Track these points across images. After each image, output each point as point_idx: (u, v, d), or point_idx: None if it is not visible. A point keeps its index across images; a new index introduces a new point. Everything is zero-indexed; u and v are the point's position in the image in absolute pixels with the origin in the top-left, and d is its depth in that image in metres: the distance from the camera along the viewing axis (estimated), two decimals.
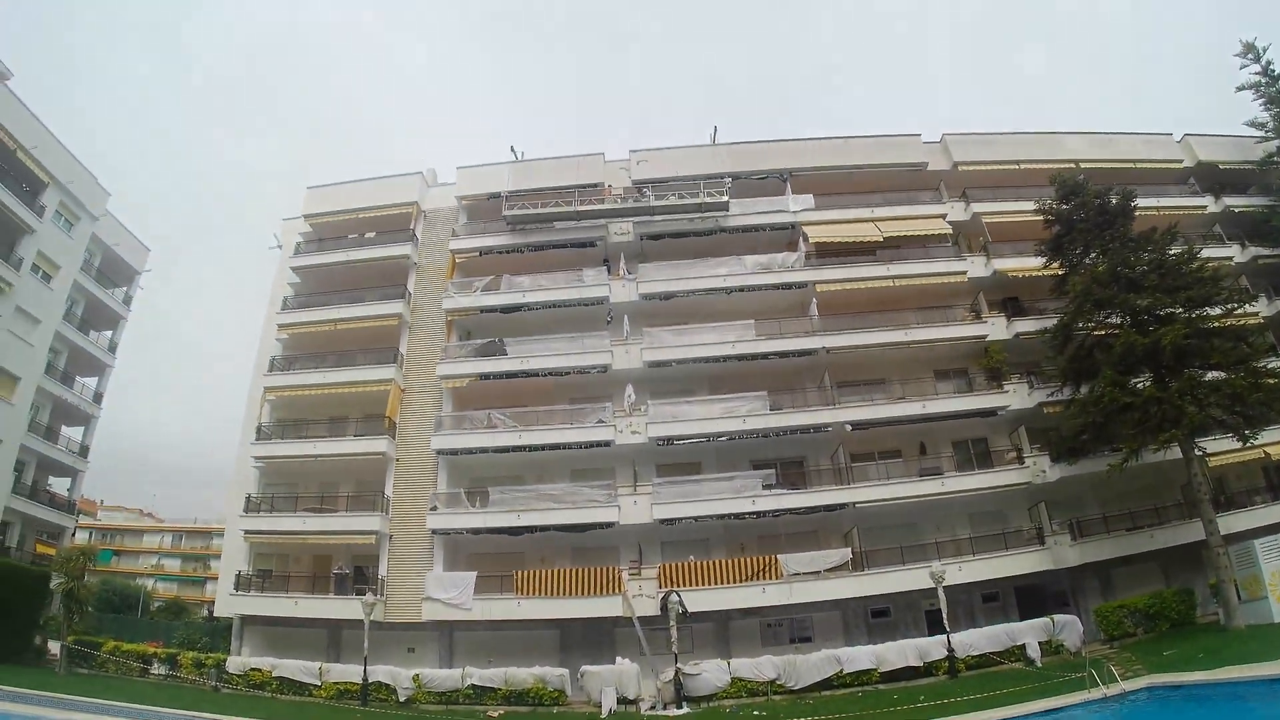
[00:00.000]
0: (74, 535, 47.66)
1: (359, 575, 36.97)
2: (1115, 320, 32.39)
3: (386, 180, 45.85)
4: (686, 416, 37.38)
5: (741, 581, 33.81)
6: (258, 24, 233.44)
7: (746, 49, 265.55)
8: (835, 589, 33.55)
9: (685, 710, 26.63)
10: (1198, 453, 30.67)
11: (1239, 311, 32.33)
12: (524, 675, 29.23)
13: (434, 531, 36.21)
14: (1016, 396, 37.42)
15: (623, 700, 27.79)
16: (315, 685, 30.59)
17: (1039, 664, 27.06)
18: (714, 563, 34.63)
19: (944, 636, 28.26)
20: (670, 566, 34.29)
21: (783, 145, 44.77)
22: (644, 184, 42.27)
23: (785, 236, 42.05)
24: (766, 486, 35.87)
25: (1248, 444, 30.80)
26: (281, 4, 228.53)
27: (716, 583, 33.78)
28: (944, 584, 29.31)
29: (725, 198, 41.12)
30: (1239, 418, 29.57)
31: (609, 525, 35.30)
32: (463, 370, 39.27)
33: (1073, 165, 39.85)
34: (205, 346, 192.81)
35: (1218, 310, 31.02)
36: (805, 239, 40.83)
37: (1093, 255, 34.02)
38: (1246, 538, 30.01)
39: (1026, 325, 38.62)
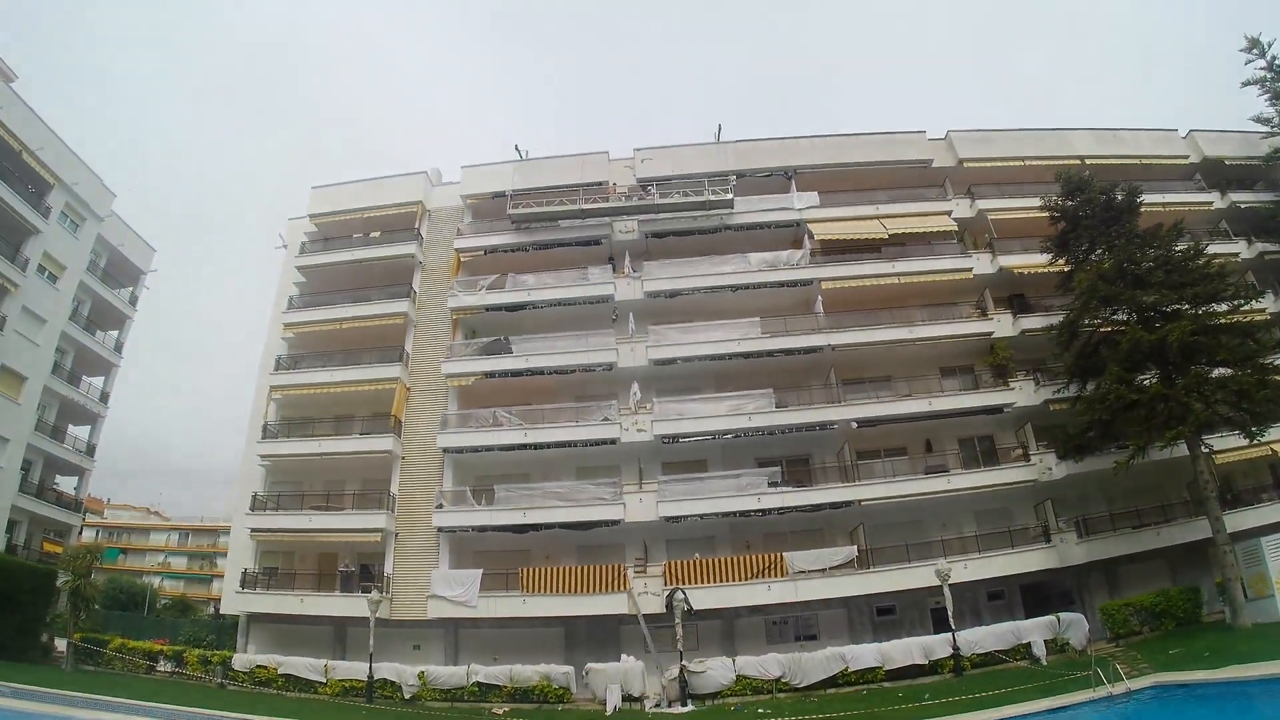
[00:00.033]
0: (81, 533, 47.77)
1: (365, 573, 37.05)
2: (1121, 317, 32.23)
3: (391, 180, 45.95)
4: (692, 414, 37.42)
5: (747, 579, 33.80)
6: (259, 24, 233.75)
7: (747, 48, 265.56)
8: (840, 587, 33.53)
9: (690, 708, 26.59)
10: (1204, 450, 30.60)
11: (1245, 308, 32.27)
12: (529, 673, 29.20)
13: (440, 529, 36.26)
14: (1022, 394, 37.35)
15: (628, 698, 27.73)
16: (321, 682, 30.63)
17: (1044, 662, 26.99)
18: (719, 560, 34.62)
19: (949, 634, 28.16)
20: (675, 564, 34.29)
21: (787, 143, 44.63)
22: (648, 182, 42.27)
23: (790, 234, 42.04)
24: (772, 484, 35.87)
25: (1254, 441, 30.70)
26: (283, 3, 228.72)
27: (722, 580, 33.79)
28: (949, 582, 29.18)
29: (730, 195, 41.06)
30: (1246, 414, 29.38)
31: (614, 523, 35.34)
32: (468, 369, 39.30)
33: (1078, 161, 39.90)
34: (211, 346, 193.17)
35: (1224, 306, 30.91)
36: (810, 236, 40.82)
37: (1099, 251, 33.89)
38: (1253, 535, 29.85)
39: (1032, 322, 38.49)
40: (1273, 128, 40.62)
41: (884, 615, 34.69)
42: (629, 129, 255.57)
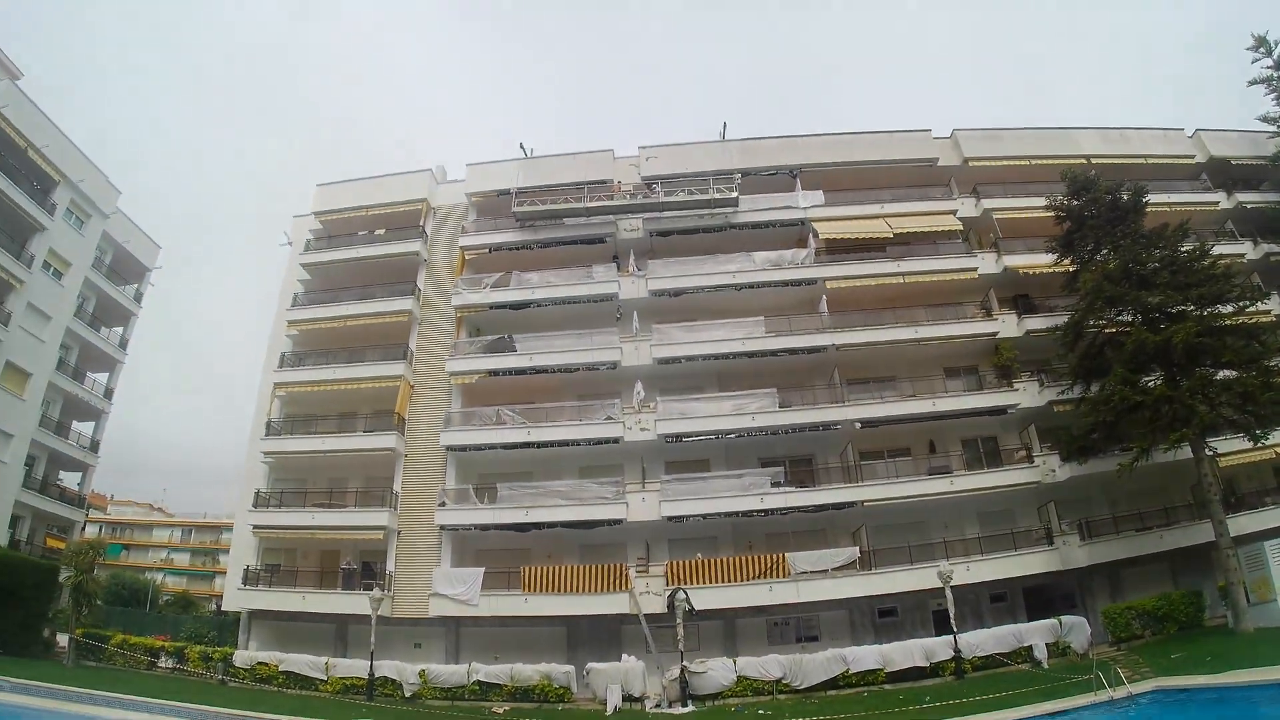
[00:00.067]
0: (84, 529, 47.86)
1: (367, 570, 37.11)
2: (1126, 318, 32.05)
3: (396, 177, 46.02)
4: (695, 414, 37.39)
5: (748, 580, 33.73)
6: (259, 23, 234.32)
7: (747, 47, 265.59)
8: (842, 588, 33.44)
9: (690, 708, 26.56)
10: (1208, 453, 30.41)
11: (1251, 309, 31.91)
12: (530, 672, 29.23)
13: (442, 527, 36.26)
14: (1026, 395, 37.25)
15: (628, 698, 27.74)
16: (321, 680, 30.68)
17: (1045, 665, 26.92)
18: (721, 561, 34.56)
19: (951, 637, 28.13)
20: (677, 564, 34.26)
21: (792, 141, 44.51)
22: (653, 180, 42.20)
23: (795, 233, 41.94)
24: (775, 484, 35.79)
25: (1259, 444, 30.53)
26: (284, 3, 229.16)
27: (723, 581, 33.74)
28: (951, 584, 29.10)
29: (734, 194, 40.98)
30: (1250, 417, 29.16)
31: (617, 522, 35.29)
32: (472, 366, 39.29)
33: (1084, 161, 39.70)
34: (215, 343, 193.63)
35: (1230, 308, 30.65)
36: (815, 235, 40.74)
37: (1104, 252, 33.70)
38: (1256, 539, 29.79)
39: (1037, 323, 38.35)
40: (1279, 128, 40.40)
41: (885, 617, 34.63)
42: (629, 129, 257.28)
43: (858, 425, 36.33)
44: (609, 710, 26.88)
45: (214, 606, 58.86)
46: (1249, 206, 42.59)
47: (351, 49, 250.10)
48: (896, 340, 38.41)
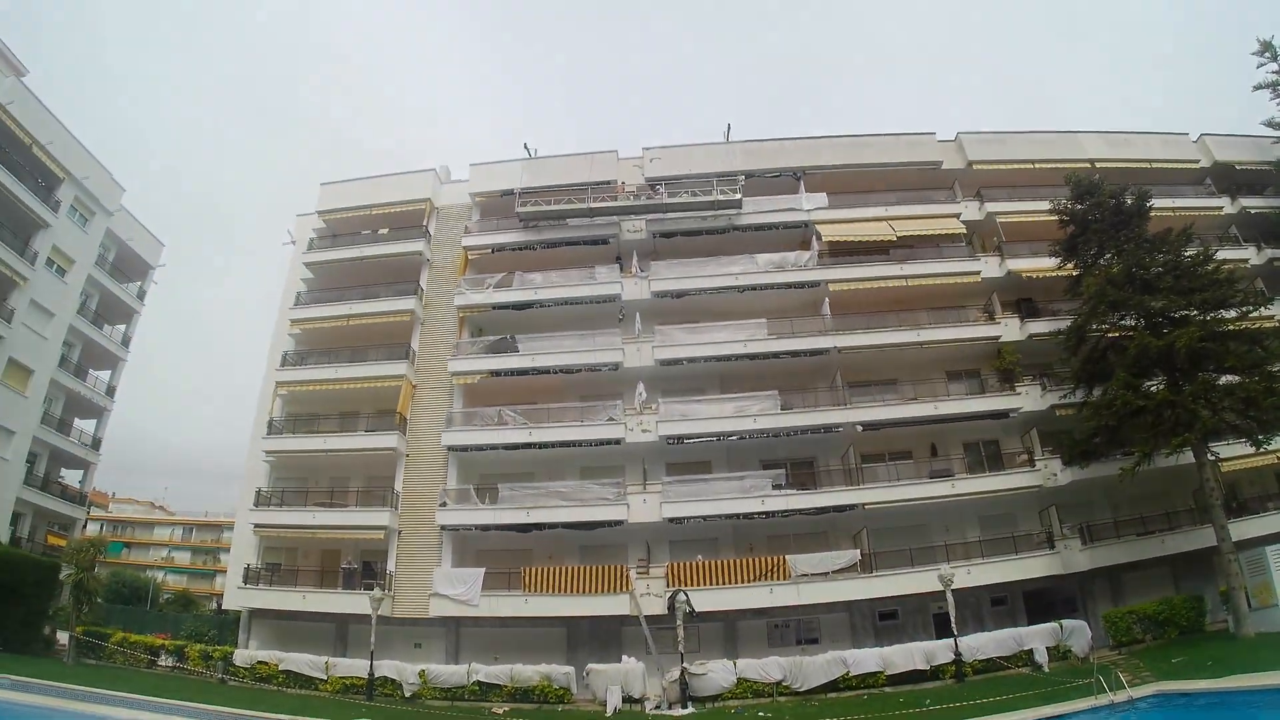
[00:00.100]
0: (85, 527, 47.93)
1: (367, 570, 37.11)
2: (1129, 322, 32.05)
3: (400, 177, 46.07)
4: (697, 415, 37.35)
5: (749, 582, 33.68)
6: (262, 23, 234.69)
7: (748, 48, 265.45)
8: (843, 590, 33.43)
9: (690, 710, 26.55)
10: (1210, 457, 30.38)
11: (1254, 314, 31.82)
12: (530, 672, 29.19)
13: (443, 527, 36.27)
14: (1029, 398, 37.22)
15: (628, 699, 27.72)
16: (321, 679, 30.67)
17: (1046, 669, 26.82)
18: (722, 563, 34.53)
19: (951, 640, 28.11)
20: (678, 566, 34.22)
21: (796, 143, 44.54)
22: (657, 181, 42.19)
23: (798, 235, 41.89)
24: (776, 486, 35.75)
25: (1261, 449, 30.32)
26: (286, 3, 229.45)
27: (724, 583, 33.69)
28: (952, 587, 29.12)
29: (738, 196, 40.93)
30: (1253, 422, 29.10)
31: (618, 523, 35.28)
32: (474, 367, 39.32)
33: (1088, 165, 39.65)
34: (218, 341, 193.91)
35: (1233, 313, 30.65)
36: (818, 238, 40.69)
37: (1107, 256, 33.66)
38: (1258, 544, 29.75)
39: (1040, 326, 38.27)
40: None
41: (886, 620, 34.57)
42: (630, 129, 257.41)
43: (859, 428, 36.33)
44: (609, 711, 26.87)
45: (214, 605, 58.96)
46: (1253, 211, 42.56)
47: (354, 48, 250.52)
48: (899, 343, 38.32)
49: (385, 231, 45.39)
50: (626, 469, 37.44)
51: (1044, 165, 41.95)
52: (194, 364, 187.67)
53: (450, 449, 37.85)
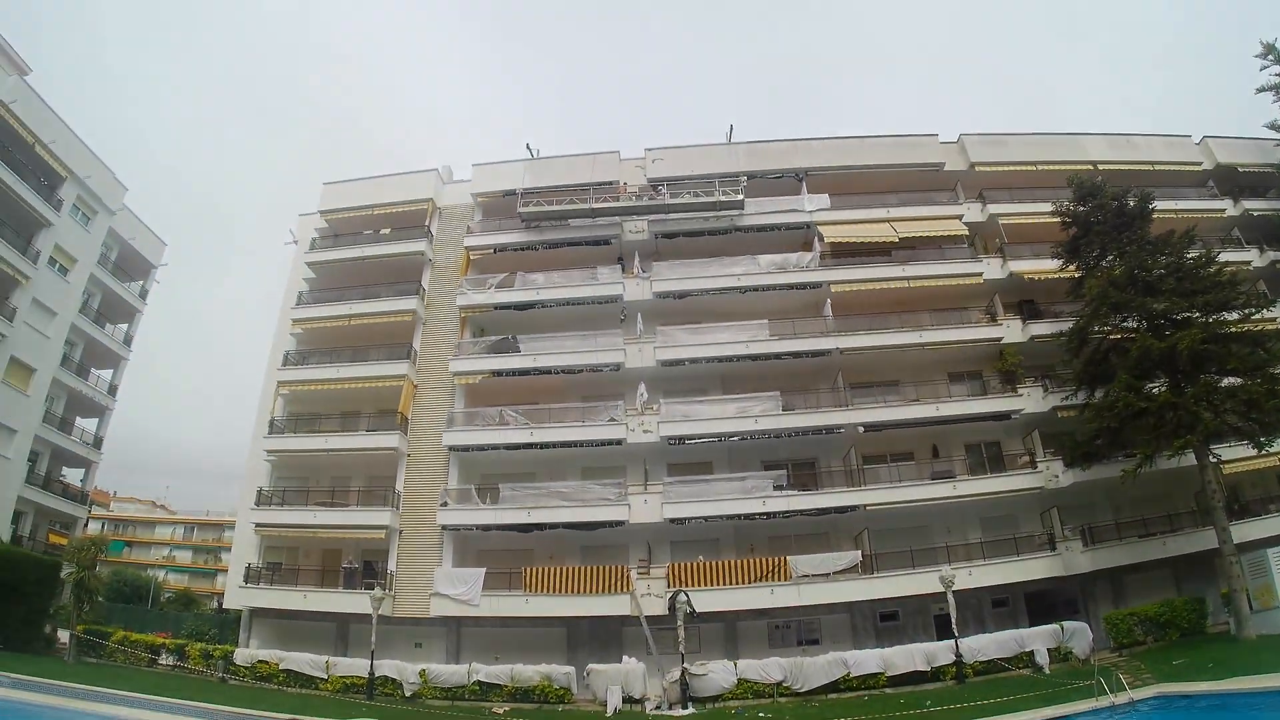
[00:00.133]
0: (86, 526, 48.03)
1: (368, 570, 37.10)
2: (1131, 324, 32.05)
3: (402, 177, 46.09)
4: (698, 416, 37.32)
5: (750, 582, 33.66)
6: (261, 24, 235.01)
7: (751, 49, 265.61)
8: (844, 591, 33.42)
9: (691, 710, 26.54)
10: (1212, 460, 30.35)
11: (1256, 316, 31.84)
12: (530, 672, 29.19)
13: (444, 527, 36.26)
14: (1031, 400, 37.17)
15: (628, 699, 27.72)
16: (322, 678, 30.66)
17: (1047, 671, 26.81)
18: (723, 563, 34.51)
19: (952, 641, 28.09)
20: (679, 566, 34.20)
21: (798, 144, 44.54)
22: (659, 182, 42.19)
23: (800, 236, 41.85)
24: (777, 487, 35.72)
25: (1263, 451, 30.27)
26: (287, 3, 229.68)
27: (725, 583, 33.67)
28: (953, 588, 29.11)
29: (740, 196, 40.94)
30: (1255, 424, 29.06)
31: (619, 524, 35.26)
32: (476, 367, 39.33)
33: (1090, 167, 39.61)
34: (219, 341, 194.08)
35: (1235, 315, 30.58)
36: (820, 239, 40.68)
37: (1110, 258, 33.62)
38: (1260, 546, 29.82)
39: (1042, 328, 38.22)
40: None
41: (887, 621, 34.54)
42: (631, 130, 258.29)
43: (861, 429, 36.31)
44: (609, 711, 26.87)
45: (215, 604, 59.04)
46: (1255, 214, 42.55)
47: (354, 49, 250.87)
48: (900, 344, 38.30)
49: (387, 231, 45.41)
50: (628, 469, 37.42)
51: (1046, 167, 41.90)
52: (195, 363, 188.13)
53: (451, 449, 37.84)
